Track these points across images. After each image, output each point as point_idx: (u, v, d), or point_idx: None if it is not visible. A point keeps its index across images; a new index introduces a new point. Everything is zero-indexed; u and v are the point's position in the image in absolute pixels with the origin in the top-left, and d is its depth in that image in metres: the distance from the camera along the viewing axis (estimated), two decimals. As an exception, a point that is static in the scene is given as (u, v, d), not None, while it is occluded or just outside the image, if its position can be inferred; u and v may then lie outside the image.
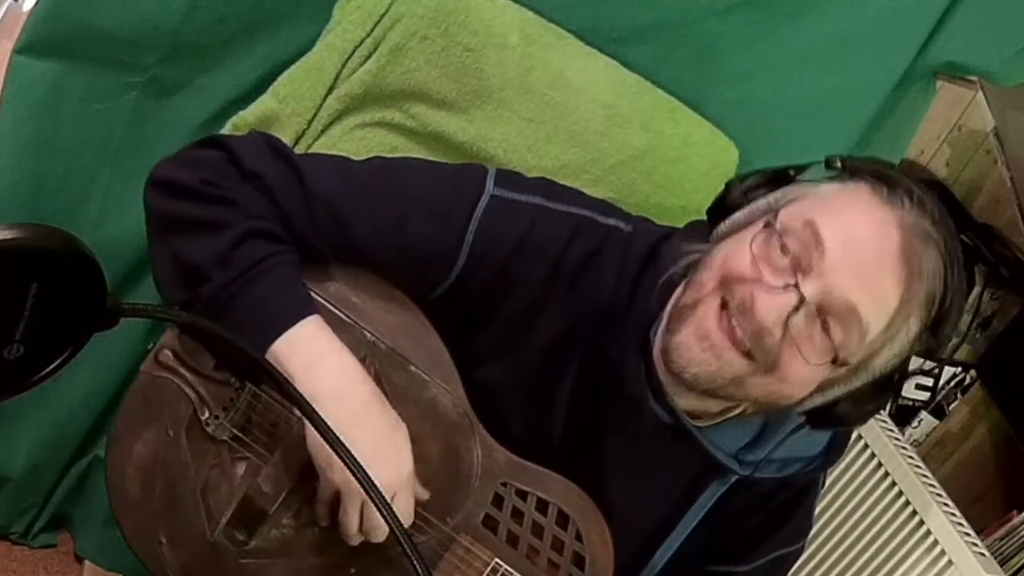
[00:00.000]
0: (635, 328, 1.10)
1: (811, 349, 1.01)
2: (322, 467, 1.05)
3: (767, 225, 1.03)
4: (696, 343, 1.03)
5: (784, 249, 1.01)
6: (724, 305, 1.03)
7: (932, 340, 1.05)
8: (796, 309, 1.00)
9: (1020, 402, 2.26)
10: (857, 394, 1.08)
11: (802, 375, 1.04)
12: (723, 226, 1.09)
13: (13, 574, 1.65)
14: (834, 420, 1.11)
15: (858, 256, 1.01)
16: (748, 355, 1.02)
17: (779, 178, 1.09)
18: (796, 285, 1.00)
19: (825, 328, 1.01)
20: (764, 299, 1.00)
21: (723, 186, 1.13)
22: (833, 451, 1.20)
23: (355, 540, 1.09)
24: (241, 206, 1.05)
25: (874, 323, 1.01)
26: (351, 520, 1.07)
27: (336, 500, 1.07)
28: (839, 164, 1.08)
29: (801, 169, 1.09)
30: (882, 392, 1.09)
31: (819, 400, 1.08)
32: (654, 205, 1.50)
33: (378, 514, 1.06)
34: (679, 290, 1.08)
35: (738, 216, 1.09)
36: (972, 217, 2.19)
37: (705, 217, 1.13)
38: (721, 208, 1.11)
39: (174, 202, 1.06)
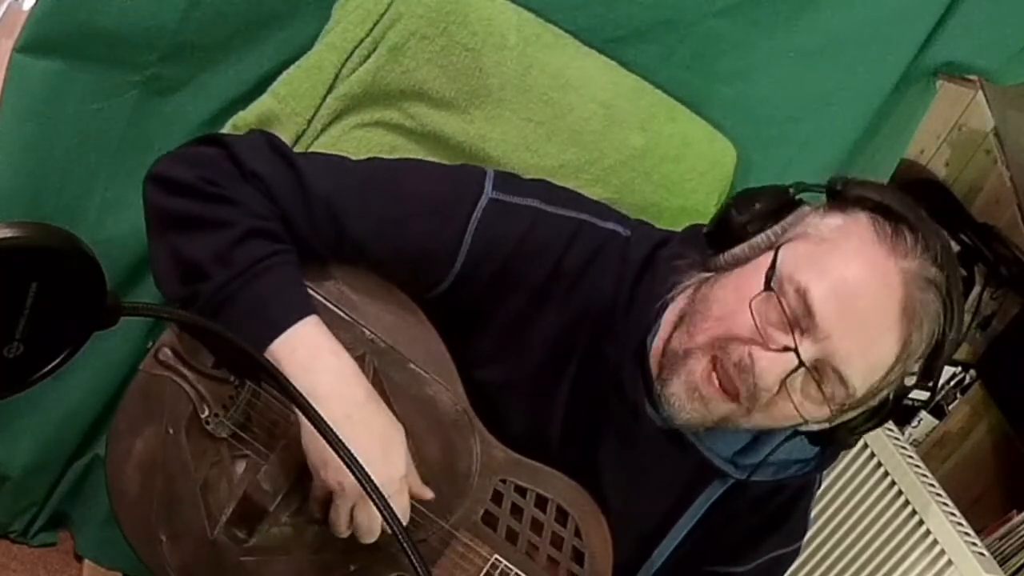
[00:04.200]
0: (633, 333, 1.10)
1: (808, 405, 1.03)
2: (316, 466, 1.05)
3: (767, 283, 1.02)
4: (686, 395, 1.05)
5: (783, 309, 1.01)
6: (714, 360, 1.03)
7: (926, 370, 1.06)
8: (795, 370, 1.01)
9: (1020, 402, 2.26)
10: (851, 423, 1.09)
11: (794, 416, 1.05)
12: (722, 259, 1.08)
13: (13, 573, 1.65)
14: (827, 441, 1.14)
15: (857, 319, 1.00)
16: (738, 400, 1.03)
17: (781, 208, 1.07)
18: (795, 348, 1.01)
19: (821, 384, 1.02)
20: (764, 362, 1.01)
21: (722, 208, 1.10)
22: (829, 453, 1.20)
23: (343, 535, 1.09)
24: (241, 205, 1.05)
25: (871, 377, 1.03)
26: (340, 519, 1.07)
27: (329, 499, 1.07)
28: (840, 189, 1.06)
29: (803, 189, 1.09)
30: (876, 416, 1.10)
31: (815, 427, 1.09)
32: (652, 205, 1.50)
33: (367, 515, 1.06)
34: (674, 328, 1.08)
35: (738, 251, 1.07)
36: (972, 217, 2.19)
37: (702, 217, 1.13)
38: (722, 235, 1.09)
39: (174, 199, 1.06)
